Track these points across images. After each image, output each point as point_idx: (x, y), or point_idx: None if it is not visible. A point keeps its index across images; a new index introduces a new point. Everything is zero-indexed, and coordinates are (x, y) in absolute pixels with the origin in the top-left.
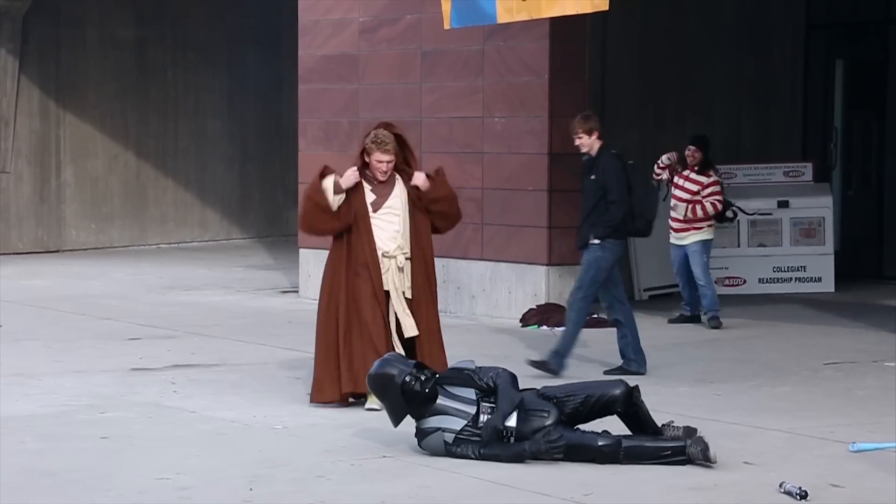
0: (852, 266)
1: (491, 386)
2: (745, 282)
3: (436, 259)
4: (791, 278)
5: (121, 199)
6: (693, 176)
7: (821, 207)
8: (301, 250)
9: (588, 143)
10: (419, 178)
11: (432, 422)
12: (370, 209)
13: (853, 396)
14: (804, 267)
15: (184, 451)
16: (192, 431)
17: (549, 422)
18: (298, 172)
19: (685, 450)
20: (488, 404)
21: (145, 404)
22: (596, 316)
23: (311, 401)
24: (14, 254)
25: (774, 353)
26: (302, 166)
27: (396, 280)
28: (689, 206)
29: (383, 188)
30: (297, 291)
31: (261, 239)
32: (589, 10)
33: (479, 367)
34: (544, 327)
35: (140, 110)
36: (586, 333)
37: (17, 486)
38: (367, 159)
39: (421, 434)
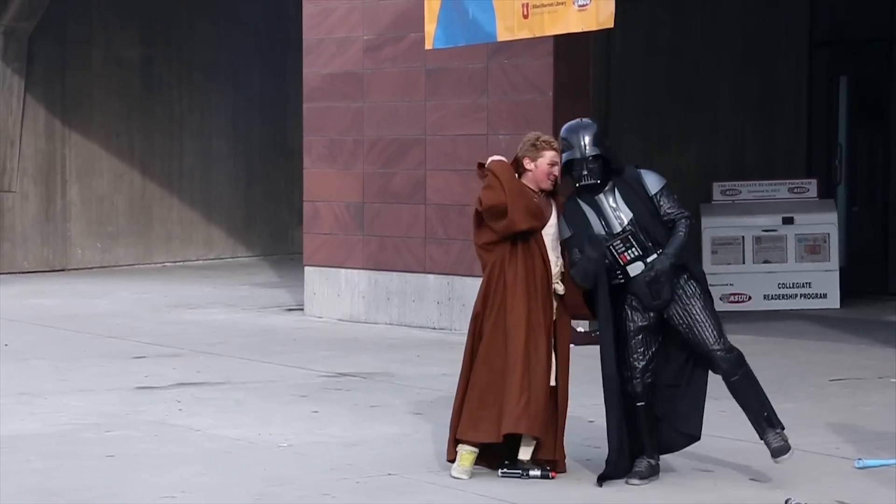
0: (857, 282)
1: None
2: (750, 298)
3: (440, 276)
4: (796, 294)
5: (126, 218)
6: None
7: (826, 224)
8: (306, 268)
9: None
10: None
11: None
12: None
13: (859, 413)
14: (809, 283)
15: (189, 469)
16: (197, 450)
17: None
18: (304, 191)
19: None
20: None
21: (151, 423)
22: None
23: (459, 437)
24: (19, 273)
25: (780, 370)
26: (307, 184)
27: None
28: None
29: (546, 203)
30: (302, 309)
31: (266, 257)
32: (594, 28)
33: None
34: None
35: (145, 129)
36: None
37: None
38: (528, 166)
39: None
